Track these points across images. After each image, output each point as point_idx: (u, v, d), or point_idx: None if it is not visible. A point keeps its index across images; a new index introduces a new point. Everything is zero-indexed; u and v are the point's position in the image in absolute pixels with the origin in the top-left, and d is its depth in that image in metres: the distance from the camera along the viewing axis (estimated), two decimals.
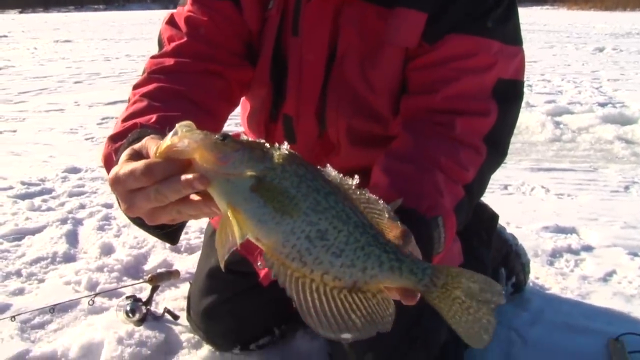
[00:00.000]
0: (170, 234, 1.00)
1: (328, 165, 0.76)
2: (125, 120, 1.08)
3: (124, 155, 0.81)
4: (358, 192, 0.75)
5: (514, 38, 1.24)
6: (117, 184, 0.77)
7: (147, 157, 0.79)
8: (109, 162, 1.03)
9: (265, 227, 0.71)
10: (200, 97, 1.20)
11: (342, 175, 0.75)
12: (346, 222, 0.72)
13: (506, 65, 1.21)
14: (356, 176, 0.76)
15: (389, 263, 0.73)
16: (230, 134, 0.75)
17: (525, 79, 1.30)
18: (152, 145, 0.78)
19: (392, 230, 0.76)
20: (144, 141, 0.82)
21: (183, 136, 0.73)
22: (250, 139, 0.76)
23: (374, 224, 0.75)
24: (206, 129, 1.10)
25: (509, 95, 1.22)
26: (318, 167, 0.76)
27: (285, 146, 0.75)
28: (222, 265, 0.73)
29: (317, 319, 0.72)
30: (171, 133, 0.74)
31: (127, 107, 1.15)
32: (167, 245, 2.22)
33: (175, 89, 1.18)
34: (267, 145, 0.74)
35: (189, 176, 0.71)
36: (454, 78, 1.19)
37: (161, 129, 1.02)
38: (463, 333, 0.77)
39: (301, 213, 0.71)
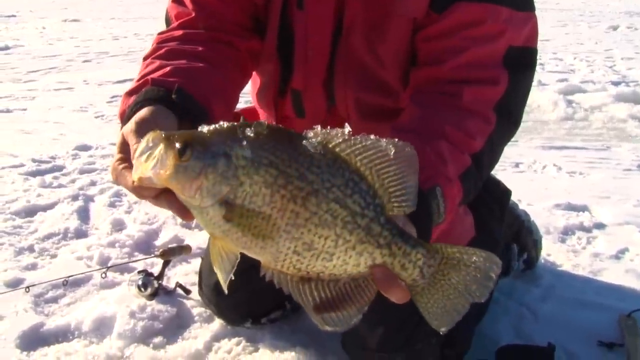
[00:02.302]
0: None
1: (307, 132, 0.71)
2: (139, 80, 1.09)
3: (117, 145, 0.85)
4: (352, 142, 0.70)
5: (525, 3, 1.20)
6: (118, 184, 0.82)
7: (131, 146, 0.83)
8: (124, 118, 1.05)
9: (252, 252, 0.72)
10: (214, 60, 1.19)
11: (328, 130, 0.71)
12: (332, 224, 0.70)
13: (517, 32, 1.18)
14: (346, 124, 0.72)
15: (382, 259, 0.73)
16: (191, 137, 0.68)
17: (538, 55, 1.28)
18: (132, 142, 0.81)
19: (398, 173, 0.72)
20: (128, 130, 0.85)
21: (145, 170, 0.70)
22: (214, 126, 0.70)
23: (371, 191, 0.71)
24: (220, 86, 1.10)
25: (520, 63, 1.19)
26: (295, 136, 0.70)
27: (251, 132, 0.68)
28: (224, 288, 0.74)
29: (322, 320, 0.74)
30: (134, 166, 0.73)
31: (140, 71, 1.14)
32: (178, 221, 2.23)
33: (187, 49, 1.18)
34: (230, 141, 0.68)
35: (172, 207, 0.74)
36: (463, 47, 1.17)
37: (174, 81, 1.04)
38: (430, 318, 0.77)
39: (281, 232, 0.69)
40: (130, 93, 1.06)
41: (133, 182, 0.75)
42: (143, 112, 0.93)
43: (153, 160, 0.69)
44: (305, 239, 0.70)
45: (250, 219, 0.68)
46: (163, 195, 0.75)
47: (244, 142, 0.68)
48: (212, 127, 0.70)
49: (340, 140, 0.70)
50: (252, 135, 0.68)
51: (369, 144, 0.70)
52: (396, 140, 0.71)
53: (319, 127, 0.71)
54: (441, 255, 0.74)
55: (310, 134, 0.70)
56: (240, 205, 0.68)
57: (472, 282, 0.75)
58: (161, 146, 0.68)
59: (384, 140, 0.71)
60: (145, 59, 1.19)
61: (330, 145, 0.70)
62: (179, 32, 1.24)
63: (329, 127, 0.71)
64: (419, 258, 0.74)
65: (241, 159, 0.67)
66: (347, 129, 0.71)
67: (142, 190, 0.76)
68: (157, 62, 1.13)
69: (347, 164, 0.70)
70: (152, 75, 1.07)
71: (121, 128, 0.96)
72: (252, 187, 0.67)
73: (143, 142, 0.71)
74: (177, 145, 0.67)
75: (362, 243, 0.71)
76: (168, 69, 1.08)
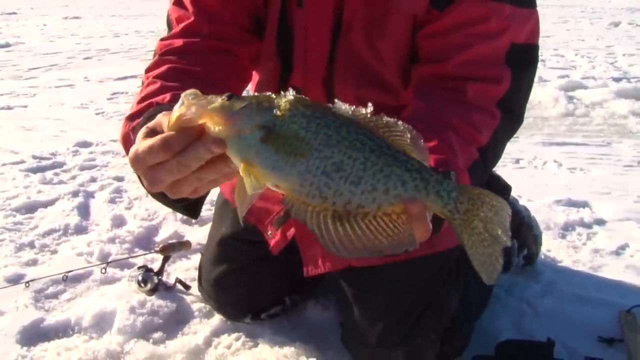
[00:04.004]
0: (191, 207, 1.02)
1: (337, 100, 0.75)
2: (140, 101, 1.09)
3: (140, 134, 0.82)
4: (375, 119, 0.74)
5: (527, 0, 1.20)
6: (137, 162, 0.78)
7: (162, 132, 0.80)
8: (127, 141, 1.05)
9: (281, 172, 0.73)
10: (212, 75, 1.20)
11: (354, 106, 0.75)
12: (361, 149, 0.73)
13: (519, 29, 1.18)
14: (369, 104, 0.75)
15: (413, 182, 0.74)
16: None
17: (539, 51, 1.27)
18: (165, 121, 0.79)
19: (416, 152, 0.75)
20: (157, 118, 0.83)
21: (190, 104, 0.74)
22: (256, 94, 0.77)
23: (394, 145, 0.74)
24: None
25: (523, 60, 1.19)
26: (328, 104, 0.75)
27: (292, 92, 0.75)
28: (240, 220, 0.76)
29: (341, 247, 0.74)
30: (178, 103, 0.75)
31: (140, 89, 1.15)
32: (178, 217, 2.23)
33: (187, 69, 1.19)
34: (273, 95, 0.75)
35: (206, 142, 0.73)
36: (466, 45, 1.17)
37: None
38: (477, 263, 0.77)
39: (313, 150, 0.72)
40: (131, 117, 1.05)
41: (157, 138, 0.76)
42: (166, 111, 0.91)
43: (199, 99, 0.75)
44: (335, 158, 0.72)
45: (286, 139, 0.72)
46: (192, 144, 0.74)
47: (287, 94, 0.75)
48: (256, 94, 0.78)
49: (364, 115, 0.75)
50: (293, 93, 0.76)
51: (390, 123, 0.75)
52: (411, 127, 0.75)
53: (346, 104, 0.75)
54: (468, 194, 0.76)
55: (340, 104, 0.76)
56: (278, 129, 0.73)
57: (496, 225, 0.76)
58: (210, 95, 0.75)
59: (401, 123, 0.75)
60: (147, 71, 1.21)
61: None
62: (179, 42, 1.25)
63: (354, 106, 0.75)
64: (452, 189, 0.75)
65: (283, 101, 0.74)
66: (370, 108, 0.75)
67: (172, 140, 0.75)
68: (158, 84, 1.13)
69: (373, 130, 0.75)
70: (155, 100, 1.07)
71: (126, 151, 0.95)
72: (291, 117, 0.73)
73: (190, 90, 0.76)
74: (223, 95, 0.75)
75: (389, 166, 0.73)
76: (169, 96, 1.08)
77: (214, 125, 0.74)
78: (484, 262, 0.77)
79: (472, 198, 0.75)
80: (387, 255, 0.74)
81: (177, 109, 0.75)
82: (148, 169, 0.78)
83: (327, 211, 0.74)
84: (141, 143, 0.78)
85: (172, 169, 0.75)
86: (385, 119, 0.75)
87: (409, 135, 0.74)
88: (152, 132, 0.81)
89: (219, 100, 0.74)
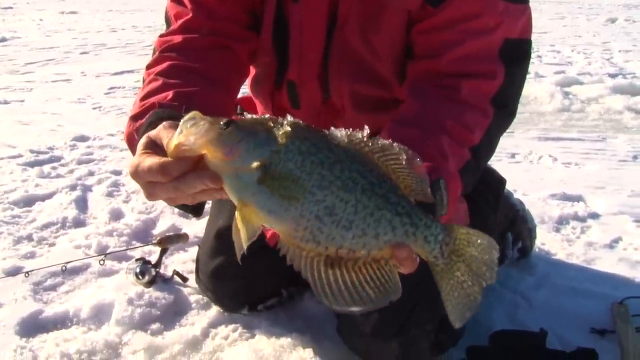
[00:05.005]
0: (194, 209, 1.05)
1: (332, 127, 0.77)
2: (143, 99, 1.11)
3: (141, 144, 0.85)
4: (370, 143, 0.76)
5: None
6: (137, 177, 0.82)
7: (162, 146, 0.83)
8: (131, 141, 1.07)
9: (276, 216, 0.74)
10: (211, 71, 1.22)
11: (350, 131, 0.76)
12: (352, 189, 0.73)
13: (513, 24, 1.20)
14: (366, 127, 0.76)
15: (402, 228, 0.75)
16: (233, 119, 0.76)
17: (534, 49, 1.29)
18: (165, 137, 0.82)
19: (413, 172, 0.76)
20: (158, 130, 0.85)
21: (188, 133, 0.75)
22: (255, 116, 0.78)
23: (387, 176, 0.75)
24: (220, 103, 1.13)
25: (516, 55, 1.21)
26: (324, 131, 0.77)
27: (289, 119, 0.76)
28: (238, 257, 0.76)
29: (332, 297, 0.75)
30: (177, 131, 0.77)
31: (142, 87, 1.17)
32: (176, 210, 2.23)
33: (187, 66, 1.21)
34: (271, 123, 0.76)
35: (202, 176, 0.76)
36: (460, 41, 1.18)
37: (178, 105, 1.05)
38: (450, 307, 0.79)
39: (307, 193, 0.73)
40: (135, 117, 1.08)
41: (156, 162, 0.78)
42: (167, 122, 0.92)
43: (198, 127, 0.75)
44: (328, 201, 0.73)
45: (281, 181, 0.73)
46: (191, 171, 0.77)
47: (284, 123, 0.76)
48: (254, 116, 0.78)
49: (360, 139, 0.76)
50: (291, 121, 0.76)
51: (385, 146, 0.76)
52: (406, 148, 0.76)
53: (342, 129, 0.76)
54: (455, 235, 0.77)
55: (335, 131, 0.77)
56: (274, 169, 0.73)
57: (482, 264, 0.78)
58: (207, 119, 0.75)
59: (396, 145, 0.76)
60: (148, 67, 1.22)
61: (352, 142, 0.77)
62: (179, 39, 1.26)
63: (350, 129, 0.77)
64: (439, 233, 0.76)
65: (281, 134, 0.74)
66: (366, 131, 0.76)
67: (170, 167, 0.77)
68: (160, 82, 1.15)
69: (367, 157, 0.76)
70: (157, 100, 1.09)
71: (131, 150, 0.97)
72: (287, 154, 0.74)
73: (189, 116, 0.76)
74: (222, 121, 0.75)
75: (379, 209, 0.74)
76: (171, 94, 1.10)
77: (211, 158, 0.75)
78: (457, 305, 0.79)
79: (459, 238, 0.77)
80: (374, 308, 0.76)
81: (176, 137, 0.76)
82: (146, 183, 0.82)
83: (320, 256, 0.75)
84: (141, 159, 0.81)
85: (168, 189, 0.79)
86: (381, 142, 0.76)
87: (404, 157, 0.76)
88: (152, 143, 0.84)
89: (216, 128, 0.74)
